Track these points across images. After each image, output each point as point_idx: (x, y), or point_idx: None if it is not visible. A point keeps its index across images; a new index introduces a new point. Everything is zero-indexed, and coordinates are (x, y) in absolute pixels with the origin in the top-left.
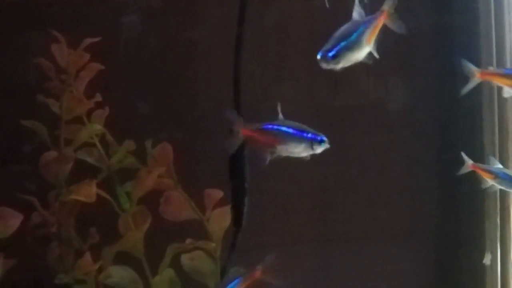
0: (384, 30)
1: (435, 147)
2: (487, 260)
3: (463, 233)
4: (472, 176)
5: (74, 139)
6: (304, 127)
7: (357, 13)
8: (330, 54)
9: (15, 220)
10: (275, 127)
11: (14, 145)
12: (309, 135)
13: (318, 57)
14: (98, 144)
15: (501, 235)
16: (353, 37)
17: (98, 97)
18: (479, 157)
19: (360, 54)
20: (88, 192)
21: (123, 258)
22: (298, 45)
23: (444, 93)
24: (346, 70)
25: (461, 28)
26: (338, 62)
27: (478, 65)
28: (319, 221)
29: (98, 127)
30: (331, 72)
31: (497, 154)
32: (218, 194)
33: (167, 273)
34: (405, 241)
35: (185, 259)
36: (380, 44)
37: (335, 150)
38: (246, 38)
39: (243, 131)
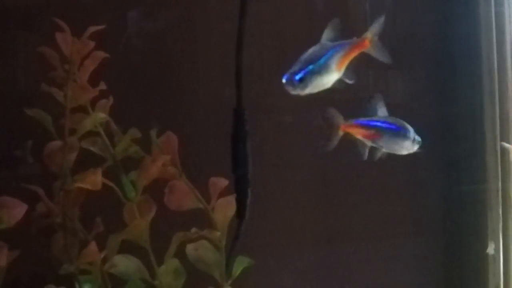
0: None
1: (436, 140)
2: (490, 249)
3: (465, 224)
4: (475, 170)
5: (78, 128)
6: (403, 123)
7: (328, 35)
8: (297, 77)
9: (19, 210)
10: (378, 122)
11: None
12: (411, 133)
13: (284, 80)
14: (103, 133)
15: (503, 226)
16: (322, 61)
17: (103, 85)
18: (480, 150)
19: (329, 79)
20: (93, 180)
21: (128, 248)
22: (298, 39)
23: (445, 86)
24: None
25: (461, 20)
26: (305, 86)
27: (478, 58)
28: (321, 217)
29: (102, 115)
30: None
31: (498, 146)
32: (223, 182)
33: (172, 262)
34: (409, 234)
35: (190, 249)
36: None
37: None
38: (246, 31)
39: (342, 126)
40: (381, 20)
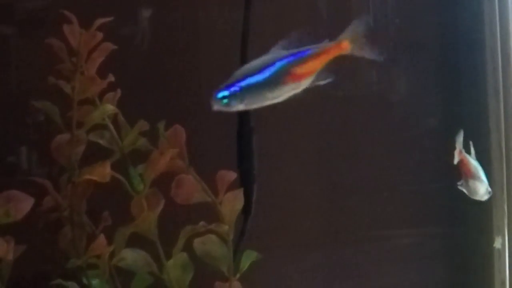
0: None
1: (440, 136)
2: (497, 243)
3: (471, 220)
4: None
5: (86, 121)
6: None
7: (283, 44)
8: (220, 94)
9: (26, 204)
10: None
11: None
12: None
13: (214, 96)
14: (111, 126)
15: (508, 222)
16: (262, 74)
17: (111, 77)
18: (485, 146)
19: (277, 93)
20: (101, 172)
21: (135, 242)
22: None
23: (449, 83)
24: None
25: (465, 16)
26: (230, 104)
27: (483, 52)
28: (327, 214)
29: (110, 107)
30: (333, 62)
31: (503, 142)
32: (231, 175)
33: (180, 256)
34: (414, 231)
35: (197, 243)
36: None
37: (338, 141)
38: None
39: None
40: (363, 19)
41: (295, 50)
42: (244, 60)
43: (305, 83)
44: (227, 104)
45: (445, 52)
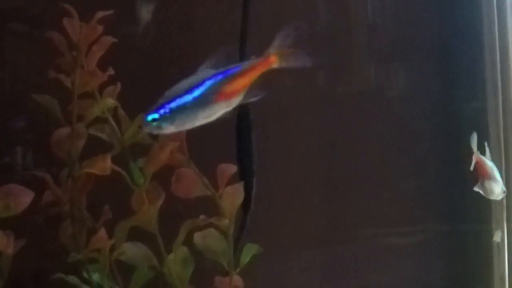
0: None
1: (440, 132)
2: (497, 237)
3: (469, 214)
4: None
5: (86, 114)
6: None
7: (211, 62)
8: (149, 117)
9: (26, 198)
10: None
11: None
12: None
13: (144, 119)
14: (111, 119)
15: (507, 217)
16: (192, 94)
17: (111, 71)
18: (483, 139)
19: (209, 113)
20: (102, 165)
21: (136, 236)
22: (299, 31)
23: (446, 78)
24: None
25: (463, 11)
26: (161, 127)
27: (481, 48)
28: (326, 211)
29: (110, 101)
30: (332, 58)
31: (502, 137)
32: (231, 169)
33: (181, 250)
34: (413, 226)
35: (197, 237)
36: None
37: (338, 137)
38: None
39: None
40: (288, 30)
41: (223, 69)
42: (242, 57)
43: (235, 101)
44: (158, 127)
45: (444, 48)
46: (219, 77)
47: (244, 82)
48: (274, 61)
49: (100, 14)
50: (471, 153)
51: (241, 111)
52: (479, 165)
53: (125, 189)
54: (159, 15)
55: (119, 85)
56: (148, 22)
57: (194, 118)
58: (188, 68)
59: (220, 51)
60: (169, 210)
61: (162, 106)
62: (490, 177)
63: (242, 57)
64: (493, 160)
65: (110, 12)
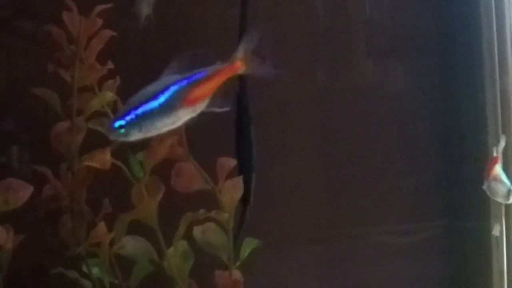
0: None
1: (438, 127)
2: (496, 231)
3: (468, 208)
4: (475, 154)
5: (85, 108)
6: None
7: (172, 68)
8: (116, 124)
9: (25, 192)
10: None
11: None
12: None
13: (108, 126)
14: (110, 113)
15: (506, 209)
16: (157, 100)
17: (110, 65)
18: (482, 135)
19: (174, 119)
20: (102, 159)
21: (135, 230)
22: (296, 26)
23: (445, 71)
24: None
25: (462, 8)
26: (128, 133)
27: (479, 43)
28: (325, 205)
29: (110, 94)
30: (331, 54)
31: (500, 133)
32: (231, 162)
33: (181, 244)
34: (412, 221)
35: (197, 231)
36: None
37: (337, 133)
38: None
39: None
40: (253, 35)
41: (188, 74)
42: None
43: (200, 107)
44: (125, 134)
45: (442, 44)
46: (184, 82)
47: (209, 87)
48: (239, 67)
49: (99, 7)
50: (470, 149)
51: (241, 106)
52: (490, 167)
53: (125, 183)
54: (159, 9)
55: (118, 79)
56: (147, 16)
57: (160, 124)
58: (187, 61)
59: (183, 56)
60: (168, 204)
61: (128, 113)
62: (496, 178)
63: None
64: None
65: (109, 5)
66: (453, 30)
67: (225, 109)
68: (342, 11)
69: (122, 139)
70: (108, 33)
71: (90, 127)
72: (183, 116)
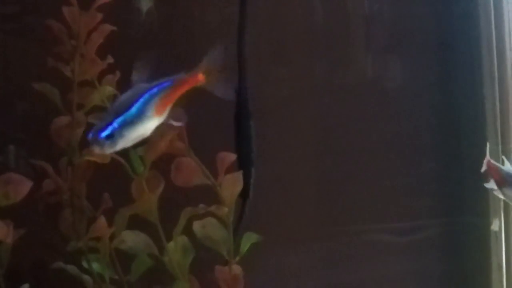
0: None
1: (436, 124)
2: (495, 226)
3: (467, 204)
4: (474, 152)
5: (85, 103)
6: None
7: (138, 75)
8: (103, 134)
9: (24, 186)
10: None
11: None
12: None
13: (89, 138)
14: None
15: (504, 205)
16: (134, 109)
17: (110, 59)
18: (481, 133)
19: (147, 128)
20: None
21: (136, 225)
22: (296, 22)
23: (445, 69)
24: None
25: (460, 3)
26: (114, 143)
27: (478, 40)
28: (324, 202)
29: (110, 89)
30: (330, 50)
31: (499, 129)
32: (231, 157)
33: (181, 239)
34: (410, 217)
35: (197, 226)
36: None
37: (336, 129)
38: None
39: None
40: (219, 50)
41: (154, 83)
42: (241, 52)
43: (165, 115)
44: (111, 143)
45: (441, 40)
46: (155, 90)
47: (174, 96)
48: (201, 80)
49: (99, 1)
50: (469, 145)
51: (240, 101)
52: (492, 169)
53: (125, 178)
54: (159, 3)
55: (118, 73)
56: (148, 11)
57: (136, 133)
58: (186, 56)
59: (145, 60)
60: (168, 199)
61: (110, 123)
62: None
63: (241, 52)
64: (491, 155)
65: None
66: (451, 27)
67: (183, 123)
68: (341, 8)
69: (109, 149)
70: (108, 27)
71: (90, 122)
72: (153, 125)
